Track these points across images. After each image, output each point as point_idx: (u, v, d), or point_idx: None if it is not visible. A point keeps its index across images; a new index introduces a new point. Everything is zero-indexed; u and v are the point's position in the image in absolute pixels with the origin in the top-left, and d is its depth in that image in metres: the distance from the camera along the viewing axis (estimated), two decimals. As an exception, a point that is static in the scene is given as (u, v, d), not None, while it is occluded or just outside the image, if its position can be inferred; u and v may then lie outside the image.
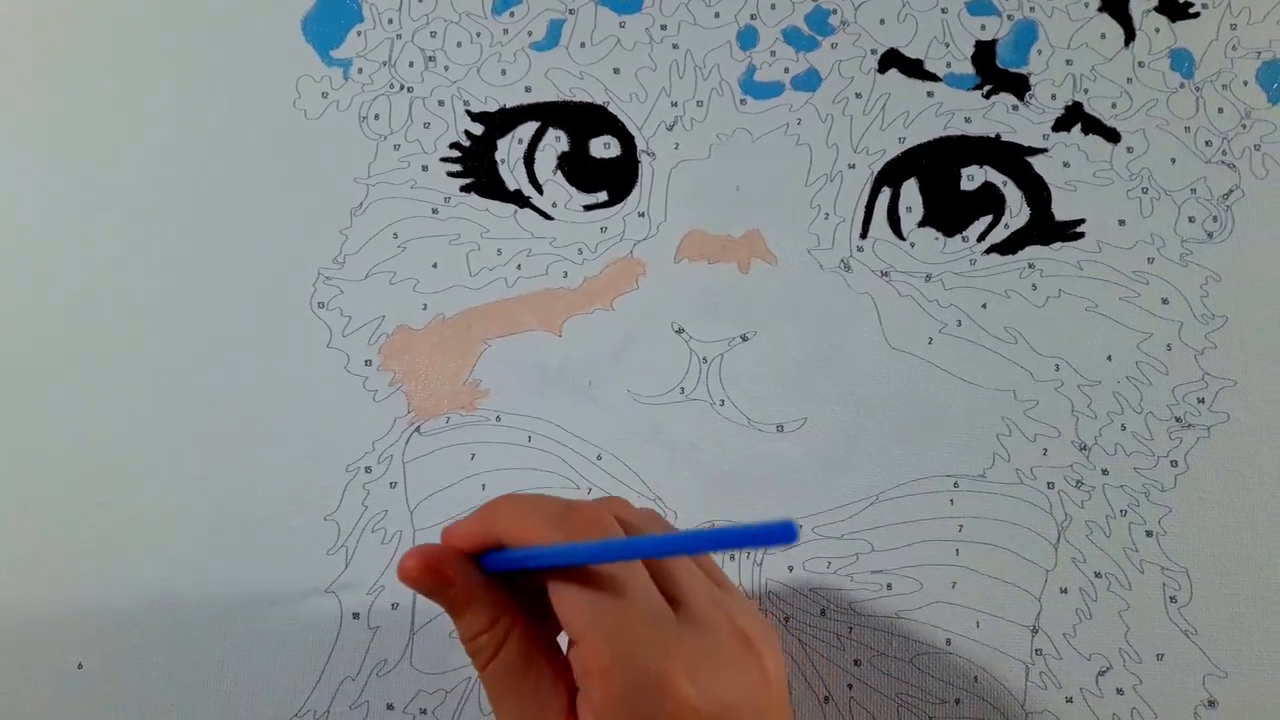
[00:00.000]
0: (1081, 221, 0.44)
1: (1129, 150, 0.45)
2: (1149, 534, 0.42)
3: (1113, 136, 0.45)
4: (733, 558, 0.42)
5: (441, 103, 0.46)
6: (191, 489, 0.43)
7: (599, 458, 0.43)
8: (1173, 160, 0.44)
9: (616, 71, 0.46)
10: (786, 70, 0.45)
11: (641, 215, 0.45)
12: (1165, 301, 0.44)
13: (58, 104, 0.46)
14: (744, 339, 0.43)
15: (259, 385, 0.44)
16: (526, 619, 0.32)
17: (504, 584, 0.32)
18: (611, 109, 0.45)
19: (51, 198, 0.46)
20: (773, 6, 0.46)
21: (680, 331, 0.43)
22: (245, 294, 0.45)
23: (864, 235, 0.44)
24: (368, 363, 0.44)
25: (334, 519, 0.43)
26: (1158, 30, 0.45)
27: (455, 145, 0.46)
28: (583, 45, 0.46)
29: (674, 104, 0.45)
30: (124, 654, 0.42)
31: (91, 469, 0.43)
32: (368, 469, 0.43)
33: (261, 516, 0.43)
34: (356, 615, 0.42)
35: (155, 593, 0.42)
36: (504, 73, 0.46)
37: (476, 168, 0.45)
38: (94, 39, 0.47)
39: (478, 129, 0.46)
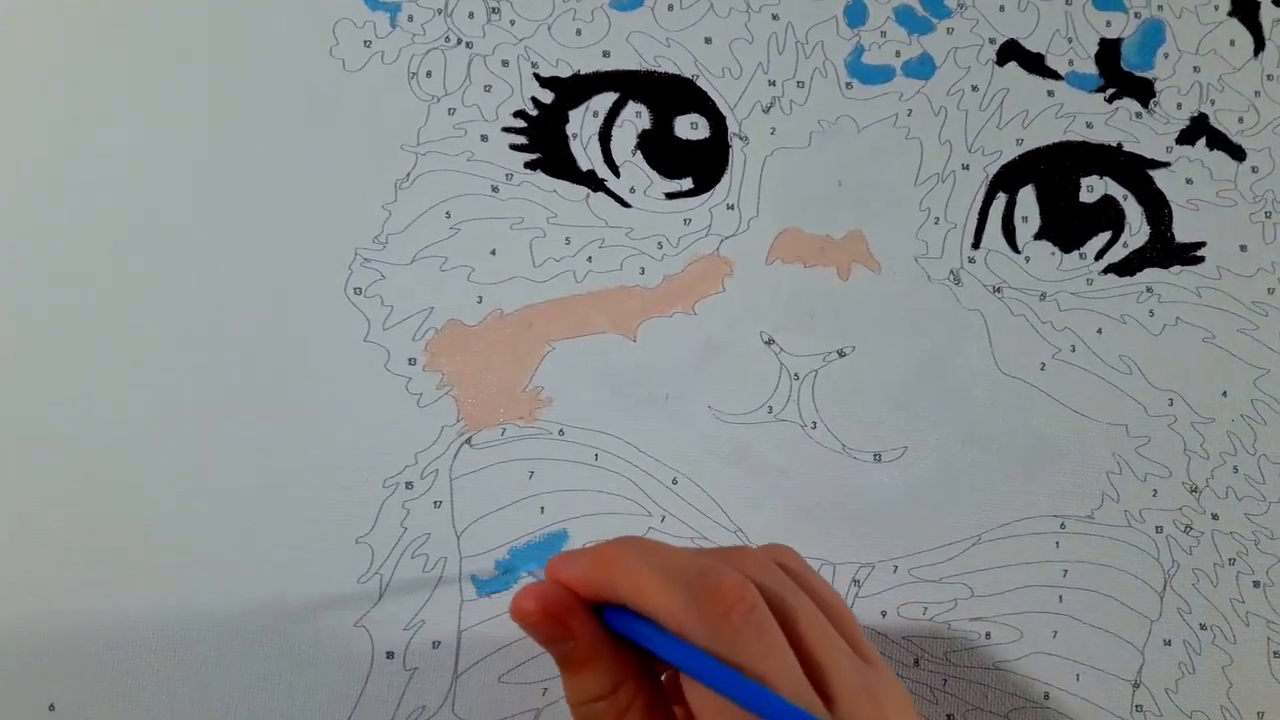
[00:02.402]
0: (1202, 244, 0.41)
1: (1254, 170, 0.41)
2: (1256, 584, 0.40)
3: (1238, 154, 0.41)
4: (821, 599, 0.38)
5: (506, 63, 0.39)
6: (198, 503, 0.36)
7: (675, 481, 0.38)
8: (1297, 184, 0.41)
9: (708, 41, 0.40)
10: (898, 54, 0.40)
11: (730, 208, 0.39)
12: (1284, 336, 0.41)
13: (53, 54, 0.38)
14: (840, 355, 0.39)
15: (282, 383, 0.37)
16: (650, 686, 0.27)
17: (626, 640, 0.27)
18: (700, 84, 0.40)
19: (42, 163, 0.38)
20: (884, -19, 0.41)
21: (770, 343, 0.39)
22: (268, 276, 0.38)
23: (976, 245, 0.40)
24: (411, 361, 0.38)
25: (367, 542, 0.37)
26: (1288, 41, 0.42)
27: (520, 114, 0.39)
28: (670, 8, 0.40)
29: (771, 83, 0.40)
30: (107, 694, 0.35)
31: (80, 478, 0.36)
32: (408, 485, 0.37)
33: (280, 537, 0.37)
34: (390, 654, 0.36)
35: (147, 622, 0.36)
36: (579, 33, 0.40)
37: (544, 142, 0.39)
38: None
39: (547, 96, 0.39)
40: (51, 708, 0.35)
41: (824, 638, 0.27)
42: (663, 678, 0.28)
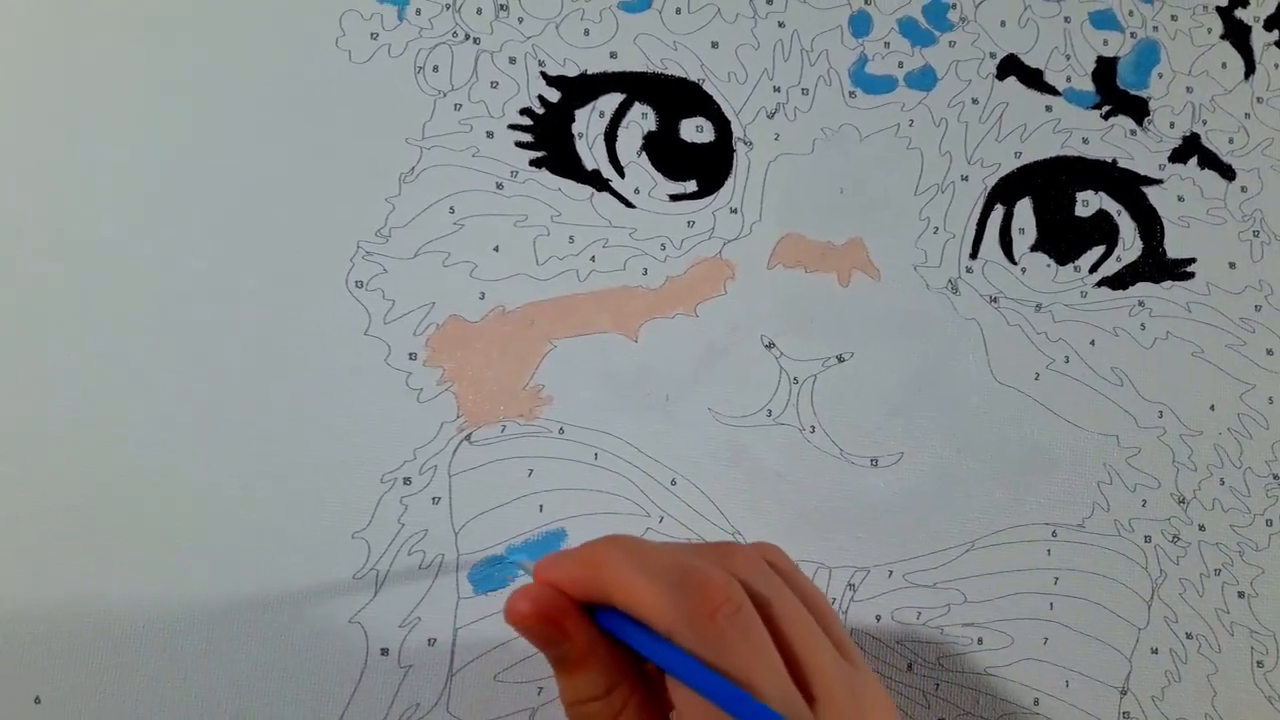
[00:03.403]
0: (1192, 261, 0.42)
1: (1243, 189, 0.42)
2: (1241, 595, 0.40)
3: (1228, 173, 0.42)
4: (816, 602, 0.38)
5: (513, 60, 0.40)
6: (192, 494, 0.36)
7: (673, 482, 0.38)
8: (1285, 204, 0.42)
9: (715, 46, 0.40)
10: (900, 65, 0.41)
11: (734, 211, 0.40)
12: (1270, 353, 0.42)
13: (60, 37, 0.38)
14: (840, 360, 0.39)
15: (281, 376, 0.37)
16: (644, 686, 0.27)
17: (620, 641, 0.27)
18: (706, 87, 0.40)
19: (40, 154, 0.37)
20: (888, -8, 0.41)
21: (770, 346, 0.39)
22: (269, 267, 0.37)
23: (974, 255, 0.40)
24: (412, 356, 0.38)
25: (363, 537, 0.37)
26: (1277, 66, 0.43)
27: (527, 111, 0.39)
28: (678, 11, 0.40)
29: (776, 89, 0.40)
30: (94, 687, 0.35)
31: (73, 468, 0.36)
32: (406, 480, 0.37)
33: (276, 530, 0.36)
34: (385, 651, 0.36)
35: (137, 614, 0.35)
36: (587, 33, 0.40)
37: (550, 140, 0.39)
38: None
39: (554, 95, 0.39)
40: (37, 700, 0.35)
41: (809, 637, 0.27)
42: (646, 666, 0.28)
